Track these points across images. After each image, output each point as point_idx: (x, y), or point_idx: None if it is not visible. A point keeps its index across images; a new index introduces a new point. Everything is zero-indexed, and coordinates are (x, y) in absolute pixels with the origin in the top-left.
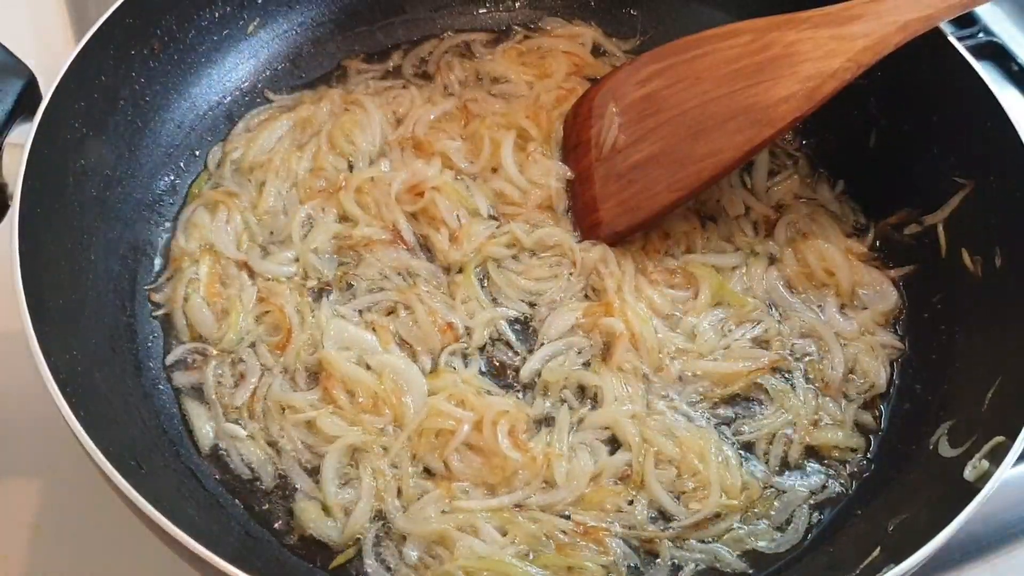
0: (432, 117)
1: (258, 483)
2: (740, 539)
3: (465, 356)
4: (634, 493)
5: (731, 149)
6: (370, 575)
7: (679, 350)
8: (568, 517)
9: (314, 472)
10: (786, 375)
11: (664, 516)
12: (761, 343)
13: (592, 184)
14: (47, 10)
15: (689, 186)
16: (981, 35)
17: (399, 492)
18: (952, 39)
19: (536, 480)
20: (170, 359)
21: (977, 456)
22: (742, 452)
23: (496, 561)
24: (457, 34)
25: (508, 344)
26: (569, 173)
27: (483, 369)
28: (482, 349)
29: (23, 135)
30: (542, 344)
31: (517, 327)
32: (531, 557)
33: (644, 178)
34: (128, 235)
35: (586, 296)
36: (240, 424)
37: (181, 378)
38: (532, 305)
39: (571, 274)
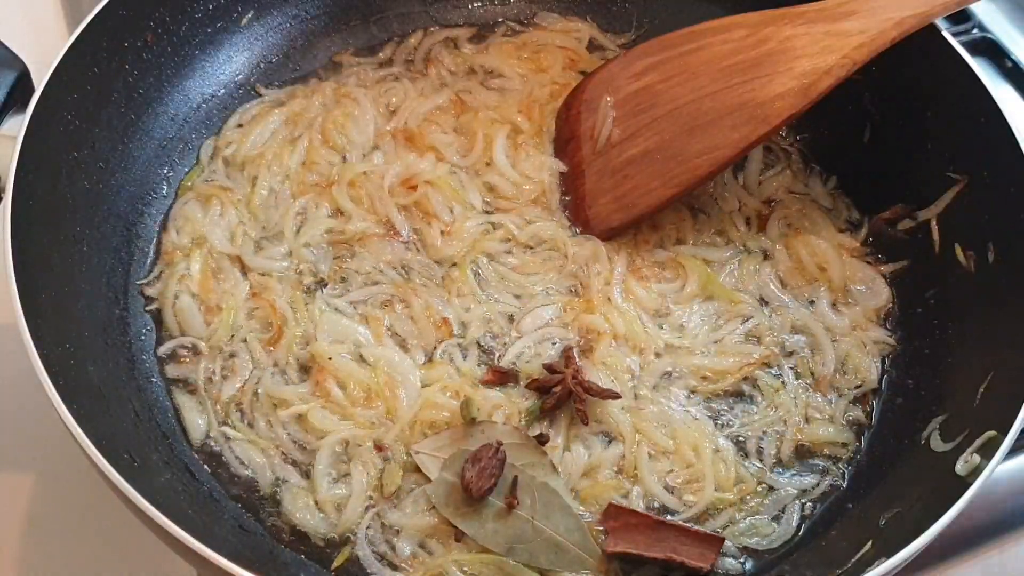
0: (425, 110)
1: (250, 477)
2: (732, 534)
3: (462, 349)
4: (630, 485)
5: (727, 146)
6: (365, 568)
7: (668, 346)
8: None
9: (305, 467)
10: (777, 371)
11: (659, 511)
12: (752, 338)
13: (585, 179)
14: (40, 2)
15: (684, 183)
16: (976, 31)
17: (392, 485)
18: (947, 35)
19: None
20: (162, 351)
21: (969, 451)
22: (735, 446)
23: (490, 556)
24: (442, 29)
25: (499, 337)
26: (562, 167)
27: (477, 362)
28: (476, 343)
29: (16, 127)
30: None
31: (512, 322)
32: None
33: (638, 174)
34: (121, 228)
35: (575, 292)
36: (230, 424)
37: (173, 371)
38: (518, 297)
39: (561, 267)
